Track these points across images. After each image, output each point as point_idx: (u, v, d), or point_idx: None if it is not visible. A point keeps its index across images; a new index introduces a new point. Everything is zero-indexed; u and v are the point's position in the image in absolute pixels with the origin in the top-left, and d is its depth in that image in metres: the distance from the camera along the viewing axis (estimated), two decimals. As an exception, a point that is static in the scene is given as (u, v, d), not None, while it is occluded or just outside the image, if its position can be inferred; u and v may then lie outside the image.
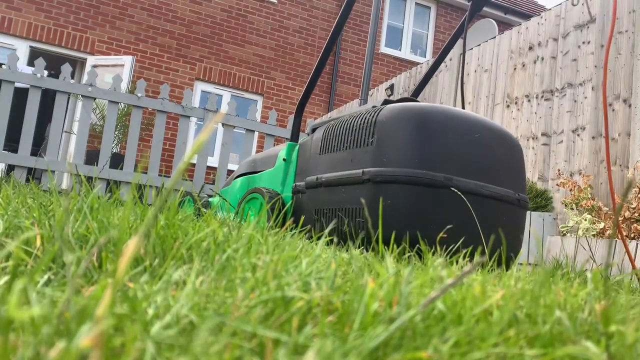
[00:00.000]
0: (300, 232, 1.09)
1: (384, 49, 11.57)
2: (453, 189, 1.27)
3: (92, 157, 5.65)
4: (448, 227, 1.25)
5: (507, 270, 1.30)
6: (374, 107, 1.42)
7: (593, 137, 4.48)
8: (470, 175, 1.33)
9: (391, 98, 1.52)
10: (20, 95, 4.48)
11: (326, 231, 0.81)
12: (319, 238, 1.18)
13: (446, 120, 1.33)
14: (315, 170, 1.54)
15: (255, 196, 1.64)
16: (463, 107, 1.87)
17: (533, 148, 5.13)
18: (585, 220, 3.74)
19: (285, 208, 1.59)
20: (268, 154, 1.87)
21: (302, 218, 1.51)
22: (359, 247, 0.95)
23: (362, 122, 1.38)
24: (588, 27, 4.79)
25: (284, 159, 1.71)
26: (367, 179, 1.28)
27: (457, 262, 0.92)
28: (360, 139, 1.35)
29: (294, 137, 1.84)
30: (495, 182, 1.38)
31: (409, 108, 1.32)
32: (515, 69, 5.59)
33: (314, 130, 1.76)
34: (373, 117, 1.34)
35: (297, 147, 1.72)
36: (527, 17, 10.71)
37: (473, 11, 2.03)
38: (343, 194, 1.35)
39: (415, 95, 2.04)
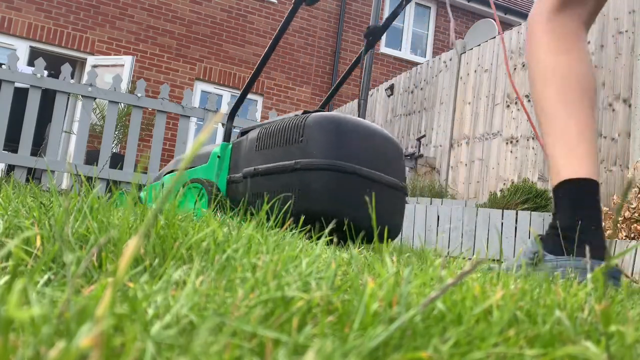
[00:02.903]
0: (300, 232, 1.09)
1: (384, 49, 11.58)
2: (359, 174, 1.71)
3: (92, 157, 5.65)
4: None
5: (392, 241, 1.81)
6: (296, 115, 1.88)
7: (593, 137, 4.49)
8: (369, 166, 1.76)
9: (308, 109, 2.03)
10: (20, 95, 4.48)
11: (326, 231, 0.82)
12: (318, 238, 1.20)
13: (352, 125, 1.79)
14: (252, 163, 1.93)
15: (195, 185, 2.00)
16: (364, 117, 2.58)
17: (533, 148, 5.13)
18: (585, 220, 3.74)
19: (221, 194, 1.94)
20: (200, 152, 2.25)
21: (241, 202, 1.88)
22: (289, 221, 1.14)
23: (293, 125, 1.79)
24: (588, 27, 4.79)
25: (218, 156, 2.07)
26: (298, 167, 1.70)
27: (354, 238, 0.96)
28: (292, 138, 1.77)
29: (227, 138, 2.22)
30: (385, 172, 1.82)
31: (328, 116, 1.77)
32: (515, 68, 5.59)
33: (244, 133, 2.15)
34: (302, 121, 1.77)
35: (230, 146, 2.11)
36: (527, 17, 10.72)
37: (369, 45, 2.47)
38: (278, 180, 1.76)
39: (322, 107, 2.58)
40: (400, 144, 2.00)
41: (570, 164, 1.19)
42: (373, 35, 2.44)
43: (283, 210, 1.44)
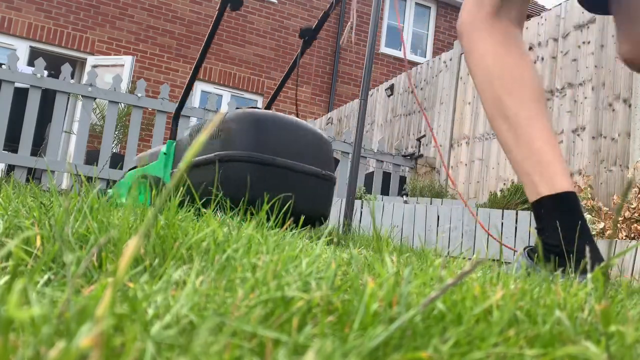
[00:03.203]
0: (300, 232, 1.09)
1: (384, 49, 11.58)
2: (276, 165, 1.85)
3: (92, 157, 5.65)
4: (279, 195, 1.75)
5: (320, 225, 1.94)
6: (226, 113, 2.03)
7: (593, 137, 4.49)
8: (287, 156, 1.89)
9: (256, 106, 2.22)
10: (20, 95, 4.48)
11: (326, 231, 0.82)
12: (318, 238, 1.21)
13: (269, 119, 1.92)
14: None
15: (144, 180, 2.21)
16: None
17: (533, 148, 5.13)
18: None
19: (164, 187, 2.12)
20: (153, 151, 2.41)
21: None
22: (289, 221, 1.20)
23: (223, 117, 1.97)
24: (588, 27, 4.79)
25: (165, 153, 2.24)
26: (218, 159, 1.84)
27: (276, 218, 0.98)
28: (214, 133, 1.92)
29: (173, 136, 2.36)
30: (306, 162, 1.95)
31: (246, 111, 1.92)
32: (515, 69, 5.59)
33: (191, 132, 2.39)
34: (223, 117, 1.93)
35: (174, 144, 2.27)
36: (527, 17, 10.71)
37: (305, 46, 2.61)
38: (204, 171, 1.89)
39: (267, 108, 2.72)
40: (326, 137, 2.15)
41: (544, 180, 1.18)
42: (308, 36, 2.58)
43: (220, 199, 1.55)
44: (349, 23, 2.00)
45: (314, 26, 2.59)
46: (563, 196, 1.17)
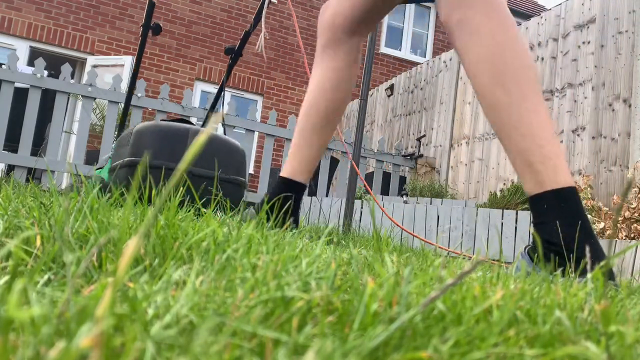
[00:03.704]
0: (300, 232, 1.10)
1: (384, 49, 11.58)
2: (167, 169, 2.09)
3: (92, 157, 5.65)
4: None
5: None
6: (136, 125, 2.29)
7: (593, 137, 4.48)
8: (172, 160, 2.10)
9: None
10: (20, 95, 4.48)
11: (326, 231, 0.82)
12: (318, 238, 1.21)
13: (170, 131, 2.17)
14: (113, 161, 2.45)
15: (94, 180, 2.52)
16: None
17: (533, 148, 5.13)
18: (585, 220, 3.74)
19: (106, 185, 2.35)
20: (107, 156, 2.66)
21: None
22: (288, 222, 1.37)
23: (128, 132, 2.24)
24: (588, 27, 4.79)
25: (110, 157, 2.48)
26: (125, 164, 2.12)
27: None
28: (125, 141, 2.20)
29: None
30: (206, 167, 2.16)
31: (148, 124, 2.19)
32: (515, 69, 5.59)
33: None
34: (133, 128, 2.21)
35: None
36: (527, 17, 10.71)
37: (231, 67, 2.91)
38: (120, 173, 2.15)
39: (208, 113, 3.14)
40: (238, 145, 2.40)
41: (552, 171, 1.14)
42: (234, 53, 2.86)
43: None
44: (262, 33, 2.25)
45: (237, 45, 2.91)
46: (567, 191, 1.13)
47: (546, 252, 1.10)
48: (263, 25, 2.33)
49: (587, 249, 1.05)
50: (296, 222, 1.66)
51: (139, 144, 2.14)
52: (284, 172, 1.68)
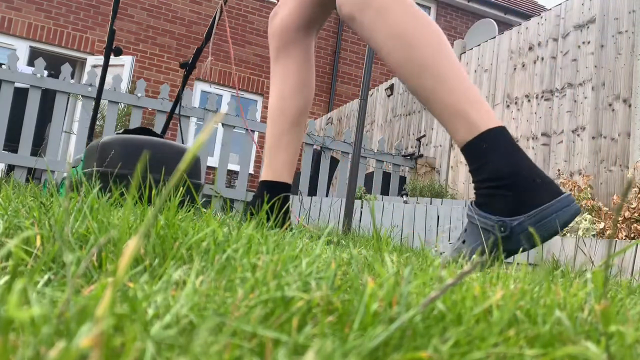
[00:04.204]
0: (300, 232, 1.10)
1: (384, 49, 11.56)
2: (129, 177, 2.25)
3: (92, 157, 5.65)
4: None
5: None
6: (117, 133, 2.47)
7: (593, 137, 4.49)
8: (148, 170, 2.23)
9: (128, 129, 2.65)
10: (20, 95, 4.48)
11: (326, 231, 0.82)
12: (318, 238, 1.22)
13: (131, 142, 2.36)
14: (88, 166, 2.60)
15: (64, 179, 2.64)
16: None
17: (533, 148, 5.13)
18: (585, 220, 3.74)
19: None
20: (79, 156, 2.77)
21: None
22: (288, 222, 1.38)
23: (98, 142, 2.39)
24: (588, 27, 4.79)
25: (82, 160, 2.59)
26: (96, 174, 2.28)
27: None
28: (95, 150, 2.35)
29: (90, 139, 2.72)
30: (153, 172, 2.28)
31: (112, 137, 2.37)
32: (515, 69, 5.59)
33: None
34: (101, 139, 2.38)
35: (85, 151, 2.65)
36: (527, 17, 10.71)
37: (185, 80, 3.11)
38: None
39: (170, 114, 3.45)
40: (183, 149, 2.55)
41: (485, 113, 1.19)
42: (188, 67, 3.03)
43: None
44: (208, 59, 2.41)
45: (190, 60, 3.08)
46: (500, 129, 1.19)
47: (494, 191, 1.12)
48: (210, 49, 2.51)
49: (532, 180, 1.08)
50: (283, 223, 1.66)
51: (104, 156, 2.36)
52: (267, 176, 1.67)
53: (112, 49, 2.86)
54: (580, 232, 3.69)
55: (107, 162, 2.32)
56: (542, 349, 0.43)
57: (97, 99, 2.97)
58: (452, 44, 7.95)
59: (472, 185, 1.24)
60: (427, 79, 1.24)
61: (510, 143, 1.18)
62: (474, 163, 1.19)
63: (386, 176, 6.05)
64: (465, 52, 6.53)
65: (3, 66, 4.47)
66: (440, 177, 6.39)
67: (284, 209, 1.59)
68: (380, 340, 0.38)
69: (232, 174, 8.46)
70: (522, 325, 0.47)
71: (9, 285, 0.34)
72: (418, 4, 12.08)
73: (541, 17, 5.42)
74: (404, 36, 1.28)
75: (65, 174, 4.36)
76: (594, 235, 3.63)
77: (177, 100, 3.26)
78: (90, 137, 3.16)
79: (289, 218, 1.63)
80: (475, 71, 6.26)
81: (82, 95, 4.61)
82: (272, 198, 1.60)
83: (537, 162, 5.06)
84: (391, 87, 8.07)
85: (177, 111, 3.84)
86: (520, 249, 1.09)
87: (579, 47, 4.85)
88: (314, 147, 5.56)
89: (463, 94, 1.22)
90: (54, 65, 7.24)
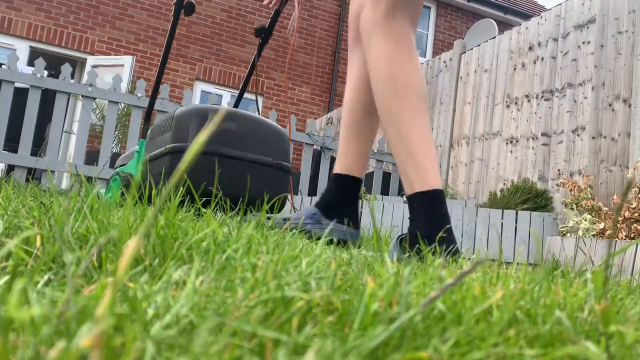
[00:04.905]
0: (300, 232, 1.10)
1: (384, 49, 11.56)
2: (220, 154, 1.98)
3: (92, 157, 5.65)
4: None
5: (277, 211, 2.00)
6: (176, 109, 2.13)
7: (593, 137, 4.49)
8: (235, 147, 2.02)
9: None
10: (20, 95, 4.48)
11: (326, 231, 0.82)
12: (318, 238, 1.22)
13: (215, 113, 1.99)
14: (147, 153, 2.27)
15: (115, 177, 2.40)
16: (258, 111, 2.91)
17: (533, 148, 5.13)
18: (585, 220, 3.74)
19: (127, 183, 2.24)
20: (130, 152, 2.53)
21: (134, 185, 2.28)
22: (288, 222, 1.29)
23: (167, 117, 2.08)
24: (588, 27, 4.79)
25: (137, 152, 2.38)
26: (167, 152, 1.96)
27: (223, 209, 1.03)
28: (166, 127, 2.05)
29: (144, 135, 2.43)
30: (253, 152, 2.08)
31: (193, 106, 2.05)
32: (515, 69, 5.59)
33: None
34: (173, 112, 2.05)
35: (144, 142, 2.40)
36: (527, 17, 10.71)
37: (262, 45, 2.75)
38: (157, 164, 2.01)
39: (235, 107, 2.88)
40: (282, 130, 2.29)
41: (418, 178, 1.35)
42: (265, 34, 2.70)
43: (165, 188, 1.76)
44: (294, 14, 2.12)
45: (267, 25, 2.69)
46: (431, 193, 1.35)
47: (412, 242, 1.30)
48: (297, 5, 2.15)
49: (441, 242, 1.25)
50: (357, 225, 1.62)
51: (181, 129, 2.00)
52: (339, 169, 1.64)
53: (182, 5, 2.45)
54: (580, 232, 3.69)
55: (190, 136, 1.95)
56: (542, 349, 0.43)
57: (150, 107, 2.67)
58: (452, 44, 7.96)
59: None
60: (390, 129, 1.41)
61: (435, 208, 1.35)
62: (409, 214, 1.38)
63: (386, 176, 6.05)
64: (465, 52, 6.53)
65: (3, 66, 4.47)
66: (440, 177, 6.39)
67: (355, 208, 1.57)
68: (380, 340, 0.38)
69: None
70: (522, 325, 0.47)
71: (9, 285, 0.34)
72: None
73: (541, 17, 5.42)
74: (389, 81, 1.40)
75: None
76: (594, 235, 3.63)
77: (251, 72, 2.87)
78: (148, 118, 2.75)
79: (352, 221, 1.59)
80: (475, 71, 6.26)
81: (82, 95, 4.60)
82: (345, 196, 1.57)
83: (537, 162, 5.06)
84: (391, 87, 8.06)
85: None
86: None
87: (579, 47, 4.85)
88: (314, 147, 5.56)
89: (413, 155, 1.37)
90: (54, 65, 7.24)
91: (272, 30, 2.68)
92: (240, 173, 2.03)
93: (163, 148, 2.00)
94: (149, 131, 2.31)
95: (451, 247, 1.28)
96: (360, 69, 1.64)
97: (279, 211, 2.13)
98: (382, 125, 1.43)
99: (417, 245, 1.26)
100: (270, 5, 2.16)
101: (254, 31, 2.72)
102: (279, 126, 2.28)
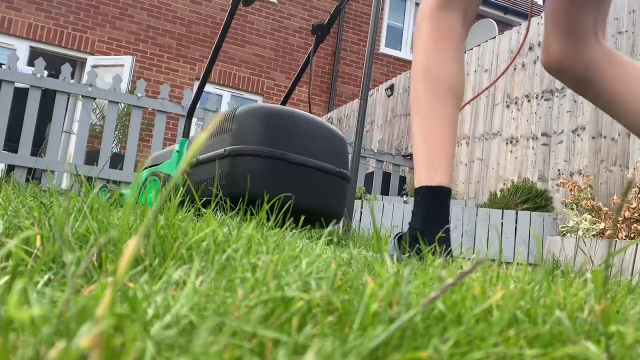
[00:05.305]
0: (300, 232, 1.09)
1: (384, 49, 11.57)
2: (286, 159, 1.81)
3: (92, 157, 5.65)
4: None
5: (326, 226, 1.90)
6: (236, 108, 1.96)
7: (593, 137, 4.48)
8: (299, 152, 1.85)
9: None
10: (20, 95, 4.48)
11: (326, 231, 0.82)
12: (318, 238, 1.21)
13: (281, 114, 1.86)
14: (197, 154, 2.05)
15: (154, 178, 2.19)
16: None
17: (533, 148, 5.13)
18: (585, 220, 3.74)
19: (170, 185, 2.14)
20: (167, 150, 2.38)
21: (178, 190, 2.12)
22: (289, 221, 1.18)
23: (225, 116, 1.90)
24: (588, 27, 4.78)
25: (177, 151, 2.22)
26: (227, 154, 1.80)
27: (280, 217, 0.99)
28: (224, 128, 1.87)
29: (186, 134, 2.35)
30: (317, 158, 1.91)
31: (257, 106, 1.86)
32: (515, 69, 5.59)
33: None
34: (233, 111, 1.89)
35: (186, 142, 2.27)
36: (527, 17, 10.70)
37: (318, 41, 2.59)
38: (212, 167, 1.86)
39: (283, 104, 2.64)
40: (341, 134, 2.10)
41: (427, 172, 1.32)
42: (321, 31, 2.59)
43: (215, 195, 1.55)
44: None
45: (326, 22, 2.57)
46: (436, 189, 1.31)
47: (412, 239, 1.27)
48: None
49: (439, 241, 1.22)
50: (448, 246, 1.28)
51: (244, 130, 1.80)
52: (429, 179, 1.34)
53: (210, 71, 2.32)
54: (580, 232, 3.69)
55: (255, 138, 1.75)
56: (542, 349, 0.43)
57: (193, 104, 2.47)
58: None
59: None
60: (414, 119, 1.39)
61: (436, 204, 1.31)
62: (413, 208, 1.36)
63: (386, 176, 6.05)
64: (465, 52, 6.53)
65: (3, 66, 4.47)
66: (440, 177, 6.39)
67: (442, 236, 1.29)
68: (380, 340, 0.38)
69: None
70: (522, 325, 0.47)
71: (9, 285, 0.34)
72: (418, 4, 12.02)
73: (541, 17, 5.42)
74: (422, 71, 1.38)
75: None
76: (594, 235, 3.63)
77: (305, 65, 2.66)
78: (190, 116, 2.52)
79: (445, 245, 1.29)
80: (475, 71, 6.26)
81: (82, 95, 4.60)
82: (438, 215, 1.30)
83: (537, 162, 5.06)
84: (391, 87, 8.06)
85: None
86: None
87: (579, 47, 4.85)
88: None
89: (426, 147, 1.34)
90: (54, 65, 7.24)
91: (330, 28, 2.57)
92: (305, 181, 1.84)
93: (222, 150, 1.81)
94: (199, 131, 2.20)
95: (443, 246, 1.24)
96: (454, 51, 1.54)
97: (336, 224, 1.99)
98: (411, 117, 1.40)
99: (417, 245, 1.23)
100: None
101: (311, 28, 2.64)
102: (337, 129, 2.10)
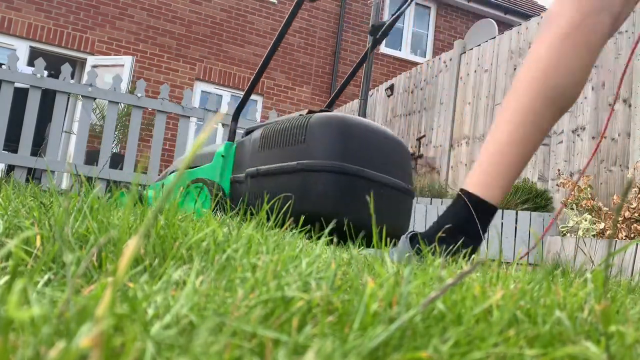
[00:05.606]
0: (300, 232, 1.10)
1: (384, 49, 11.57)
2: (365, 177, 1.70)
3: (92, 157, 5.65)
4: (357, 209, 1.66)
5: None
6: (300, 115, 1.82)
7: (593, 137, 4.48)
8: (375, 168, 1.74)
9: (313, 108, 2.00)
10: (20, 95, 4.48)
11: (326, 231, 0.82)
12: (318, 238, 1.22)
13: (357, 126, 1.74)
14: (254, 164, 1.89)
15: (197, 185, 2.01)
16: (364, 117, 2.51)
17: (533, 148, 5.13)
18: (585, 220, 3.74)
19: (221, 193, 1.96)
20: (203, 151, 2.23)
21: (240, 202, 1.88)
22: (289, 221, 1.14)
23: (296, 125, 1.76)
24: (588, 27, 4.78)
25: (222, 156, 2.05)
26: (300, 168, 1.67)
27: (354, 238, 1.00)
28: (294, 138, 1.73)
29: (231, 137, 2.20)
30: (391, 175, 1.80)
31: (333, 116, 1.73)
32: (515, 69, 5.59)
33: (248, 132, 2.11)
34: (305, 121, 1.74)
35: (234, 146, 2.09)
36: (527, 17, 10.71)
37: (376, 42, 2.46)
38: (279, 180, 1.73)
39: (328, 107, 2.49)
40: (406, 145, 1.98)
41: (487, 185, 1.26)
42: (381, 33, 2.44)
43: (282, 211, 1.44)
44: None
45: (386, 22, 2.40)
46: (476, 199, 1.25)
47: (431, 234, 1.24)
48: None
49: (440, 242, 1.20)
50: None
51: (319, 142, 1.65)
52: (472, 186, 1.28)
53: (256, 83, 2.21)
54: (580, 232, 3.69)
55: (336, 153, 1.61)
56: (542, 349, 0.43)
57: (241, 106, 2.26)
58: (452, 44, 7.96)
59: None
60: (502, 128, 1.30)
61: (458, 207, 1.27)
62: (455, 207, 1.30)
63: (386, 176, 6.04)
64: (465, 52, 6.53)
65: (3, 66, 4.47)
66: (440, 177, 6.39)
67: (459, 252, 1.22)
68: (380, 340, 0.38)
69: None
70: (522, 325, 0.47)
71: (9, 285, 0.34)
72: (417, 4, 11.97)
73: (541, 17, 5.42)
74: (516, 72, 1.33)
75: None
76: (594, 235, 3.63)
77: (361, 62, 2.49)
78: (237, 119, 2.30)
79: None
80: (475, 71, 6.25)
81: (82, 95, 4.60)
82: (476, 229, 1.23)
83: (537, 162, 5.06)
84: (391, 87, 8.06)
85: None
86: None
87: (579, 47, 4.85)
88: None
89: (495, 153, 1.28)
90: (54, 65, 7.23)
91: (390, 30, 2.42)
92: (380, 200, 1.73)
93: (293, 163, 1.68)
94: (259, 137, 1.92)
95: (451, 247, 1.21)
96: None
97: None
98: (501, 109, 1.32)
99: (454, 244, 1.19)
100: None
101: (369, 29, 2.52)
102: (402, 140, 1.98)
